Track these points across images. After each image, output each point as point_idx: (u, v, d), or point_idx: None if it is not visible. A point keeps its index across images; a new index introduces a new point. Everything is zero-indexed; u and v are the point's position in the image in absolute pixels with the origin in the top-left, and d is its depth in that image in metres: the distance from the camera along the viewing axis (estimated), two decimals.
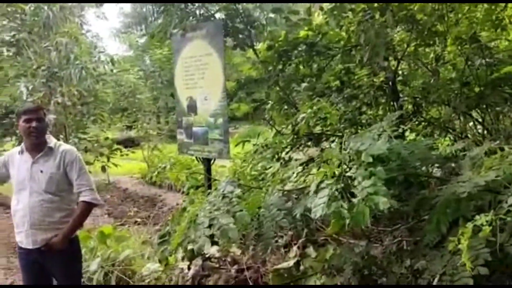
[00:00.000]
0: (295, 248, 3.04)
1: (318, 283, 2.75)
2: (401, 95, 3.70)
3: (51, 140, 2.76)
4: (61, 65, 5.39)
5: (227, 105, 3.80)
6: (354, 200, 1.49)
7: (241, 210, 1.67)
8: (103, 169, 6.72)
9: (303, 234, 3.14)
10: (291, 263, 2.89)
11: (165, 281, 3.71)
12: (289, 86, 4.27)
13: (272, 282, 2.93)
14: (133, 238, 4.71)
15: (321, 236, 3.18)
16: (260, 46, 4.49)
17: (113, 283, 4.06)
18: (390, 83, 3.60)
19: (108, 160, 6.82)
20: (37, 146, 2.69)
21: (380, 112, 3.92)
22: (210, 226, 1.62)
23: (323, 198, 1.52)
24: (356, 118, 3.79)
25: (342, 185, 1.51)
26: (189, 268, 3.50)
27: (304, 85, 4.32)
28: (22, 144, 2.76)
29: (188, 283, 3.42)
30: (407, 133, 3.79)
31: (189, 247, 1.79)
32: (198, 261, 3.44)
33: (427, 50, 3.82)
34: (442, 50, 3.65)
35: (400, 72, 3.87)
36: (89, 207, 2.79)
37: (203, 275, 3.39)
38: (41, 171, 2.65)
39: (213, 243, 3.57)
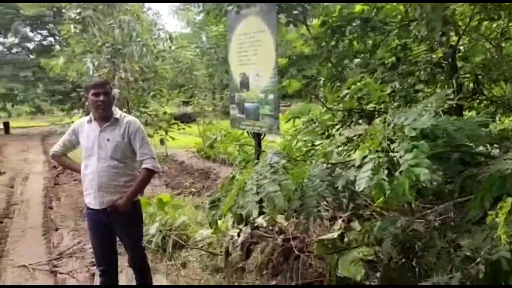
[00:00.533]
0: (340, 221, 3.13)
1: (360, 255, 2.84)
2: (461, 72, 3.60)
3: (117, 112, 2.99)
4: (124, 42, 5.69)
5: (278, 81, 3.87)
6: (396, 173, 1.55)
7: (286, 179, 1.78)
8: (162, 142, 7.08)
9: (349, 208, 3.21)
10: (335, 234, 2.99)
11: (217, 246, 3.95)
12: (341, 63, 4.26)
13: (316, 252, 3.05)
14: (188, 206, 5.01)
15: (367, 211, 3.24)
16: (314, 22, 4.49)
17: (170, 246, 4.37)
18: (449, 59, 3.50)
19: (166, 134, 7.16)
20: (105, 117, 2.91)
21: (438, 90, 3.84)
22: (257, 193, 1.76)
23: (366, 172, 1.59)
24: (411, 96, 3.74)
25: (385, 159, 1.57)
26: (238, 235, 3.71)
27: (357, 61, 4.30)
28: (91, 114, 2.97)
29: (237, 249, 3.63)
30: (467, 112, 3.69)
31: (238, 212, 1.93)
32: (247, 229, 3.64)
33: (491, 24, 3.67)
34: (507, 24, 3.49)
35: (461, 47, 3.74)
36: (150, 174, 3.01)
37: (251, 242, 3.58)
38: (108, 139, 2.88)
39: (261, 213, 3.77)
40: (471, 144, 2.02)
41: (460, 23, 3.57)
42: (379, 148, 1.65)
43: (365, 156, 1.70)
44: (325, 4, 4.45)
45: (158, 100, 7.98)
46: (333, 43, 4.12)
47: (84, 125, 3.00)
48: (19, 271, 4.30)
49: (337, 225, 3.11)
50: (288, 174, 1.91)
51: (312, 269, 3.14)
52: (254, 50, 4.14)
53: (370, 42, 4.12)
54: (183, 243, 4.33)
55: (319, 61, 4.18)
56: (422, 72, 3.70)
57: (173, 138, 7.13)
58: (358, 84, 2.28)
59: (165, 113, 7.69)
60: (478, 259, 1.62)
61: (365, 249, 2.85)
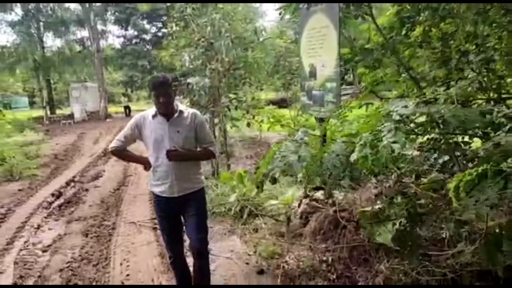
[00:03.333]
0: (384, 196, 3.52)
1: (397, 226, 3.24)
2: None
3: (179, 104, 3.13)
4: (215, 37, 6.50)
5: (340, 71, 4.29)
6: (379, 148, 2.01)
7: (305, 153, 2.31)
8: (248, 125, 7.84)
9: (395, 186, 3.60)
10: (376, 207, 3.41)
11: (283, 213, 4.58)
12: (412, 52, 4.48)
13: (360, 222, 3.51)
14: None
15: (412, 190, 3.58)
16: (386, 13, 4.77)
17: (245, 214, 5.11)
18: None
19: (253, 118, 7.90)
20: (169, 111, 3.03)
21: None
22: (281, 160, 2.31)
23: (358, 147, 2.08)
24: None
25: (372, 137, 2.03)
26: (299, 206, 4.29)
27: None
28: (154, 108, 3.05)
29: (297, 217, 4.22)
30: None
31: (271, 175, 2.49)
32: (306, 201, 4.20)
33: None
34: None
35: None
36: (210, 155, 3.23)
37: (309, 212, 4.14)
38: (178, 131, 3.00)
39: (319, 188, 4.30)
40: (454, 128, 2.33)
41: None
42: (373, 129, 2.11)
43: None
44: None
45: (248, 87, 8.73)
46: (403, 32, 4.39)
47: (147, 119, 3.07)
48: (129, 226, 5.41)
49: (381, 199, 3.51)
50: (312, 149, 2.43)
51: (356, 236, 3.61)
52: (320, 43, 4.60)
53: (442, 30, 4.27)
54: (256, 211, 5.04)
55: (382, 52, 4.50)
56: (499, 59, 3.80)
57: (259, 122, 7.84)
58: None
59: (253, 98, 8.43)
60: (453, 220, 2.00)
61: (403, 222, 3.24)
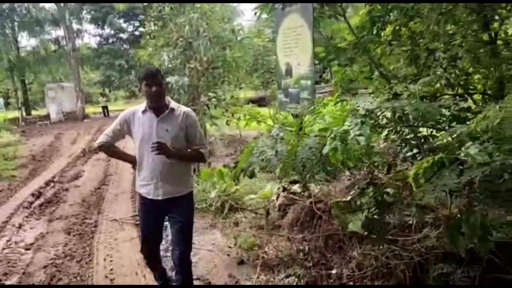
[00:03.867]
0: (356, 187, 3.73)
1: (366, 214, 3.44)
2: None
3: (171, 102, 2.96)
4: (193, 36, 6.63)
5: (315, 70, 4.49)
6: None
7: (281, 147, 2.48)
8: (227, 123, 7.99)
9: (366, 178, 3.81)
10: (348, 198, 3.62)
11: (262, 207, 4.75)
12: (383, 51, 4.69)
13: (333, 212, 3.71)
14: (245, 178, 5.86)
15: (382, 181, 3.80)
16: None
17: (226, 209, 5.26)
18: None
19: (233, 116, 8.06)
20: (160, 106, 2.88)
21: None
22: (259, 156, 2.48)
23: (329, 140, 2.26)
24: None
25: (341, 130, 2.22)
26: (277, 199, 4.47)
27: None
28: (145, 103, 2.92)
29: (275, 210, 4.40)
30: None
31: (250, 169, 2.65)
32: (284, 194, 4.38)
33: None
34: None
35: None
36: (201, 157, 3.06)
37: (286, 204, 4.32)
38: (167, 130, 2.85)
39: (295, 181, 4.49)
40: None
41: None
42: (342, 123, 2.29)
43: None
44: None
45: (227, 86, 8.87)
46: (375, 31, 4.62)
47: (137, 115, 2.93)
48: (112, 223, 5.49)
49: (353, 191, 3.72)
50: (287, 144, 2.60)
51: (331, 225, 3.81)
52: (295, 43, 4.79)
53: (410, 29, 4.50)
54: (236, 206, 5.21)
55: (355, 51, 4.71)
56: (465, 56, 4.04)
57: (238, 120, 8.00)
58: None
59: (232, 97, 8.58)
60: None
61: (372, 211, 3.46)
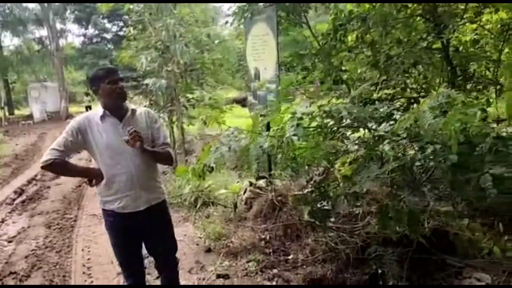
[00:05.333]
0: (312, 182, 4.13)
1: (325, 206, 3.83)
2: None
3: (129, 104, 2.69)
4: (171, 40, 6.97)
5: (279, 74, 4.87)
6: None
7: (236, 145, 2.86)
8: (204, 123, 8.33)
9: (323, 174, 4.21)
10: (305, 191, 4.01)
11: (231, 201, 5.12)
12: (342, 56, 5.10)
13: (291, 204, 4.11)
14: (216, 174, 6.24)
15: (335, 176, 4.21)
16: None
17: (199, 204, 5.62)
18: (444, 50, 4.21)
19: (210, 117, 8.40)
20: (120, 109, 2.60)
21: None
22: (215, 152, 2.85)
23: (269, 138, 2.65)
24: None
25: (280, 132, 2.61)
26: (244, 193, 4.85)
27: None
28: (99, 109, 2.59)
29: (242, 202, 4.78)
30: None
31: (210, 165, 3.01)
32: (250, 188, 4.77)
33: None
34: None
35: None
36: (168, 157, 2.78)
37: (252, 198, 4.70)
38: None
39: (261, 177, 4.87)
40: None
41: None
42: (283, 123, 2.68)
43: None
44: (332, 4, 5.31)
45: (206, 87, 9.22)
46: (337, 38, 5.02)
47: (93, 122, 2.57)
48: (91, 218, 5.81)
49: (310, 185, 4.12)
50: (239, 142, 2.98)
51: (290, 216, 4.20)
52: (262, 49, 5.17)
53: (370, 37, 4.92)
54: (209, 201, 5.57)
55: (317, 57, 5.11)
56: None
57: (218, 122, 8.32)
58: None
59: (209, 98, 8.93)
60: None
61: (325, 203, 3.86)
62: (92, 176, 2.66)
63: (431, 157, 2.56)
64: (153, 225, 2.74)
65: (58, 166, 2.57)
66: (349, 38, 5.14)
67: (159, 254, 2.90)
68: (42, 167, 2.57)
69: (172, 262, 2.97)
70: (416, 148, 2.53)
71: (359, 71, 5.29)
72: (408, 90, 4.91)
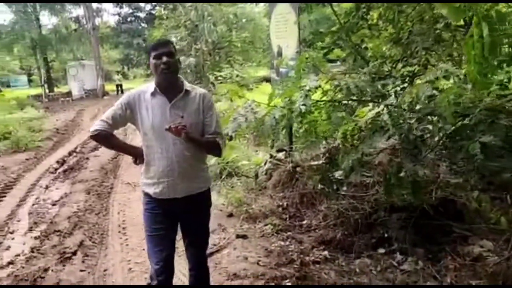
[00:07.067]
0: (327, 154, 4.39)
1: (337, 176, 4.10)
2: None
3: (185, 83, 2.49)
4: (199, 20, 7.27)
5: (300, 51, 5.09)
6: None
7: (253, 116, 3.16)
8: (231, 100, 8.66)
9: (337, 146, 4.47)
10: (320, 162, 4.28)
11: (252, 171, 5.46)
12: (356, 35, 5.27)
13: (307, 174, 4.39)
14: (242, 147, 6.58)
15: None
16: None
17: (224, 175, 5.99)
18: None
19: (237, 93, 8.71)
20: (172, 87, 2.40)
21: None
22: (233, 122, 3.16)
23: (279, 109, 2.94)
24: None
25: (290, 103, 2.89)
26: (265, 164, 5.17)
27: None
28: (152, 84, 2.42)
29: (263, 173, 5.11)
30: None
31: (229, 134, 3.33)
32: (270, 160, 5.08)
33: None
34: None
35: None
36: (217, 149, 2.51)
37: (272, 169, 5.02)
38: (182, 117, 2.34)
39: (281, 150, 5.17)
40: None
41: None
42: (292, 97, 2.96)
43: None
44: None
45: (233, 65, 9.52)
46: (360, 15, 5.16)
47: (144, 98, 2.42)
48: (126, 186, 6.31)
49: (324, 157, 4.39)
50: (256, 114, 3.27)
51: (306, 185, 4.50)
52: (285, 27, 5.39)
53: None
54: (233, 172, 5.94)
55: (337, 35, 5.28)
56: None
57: (239, 96, 8.63)
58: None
59: (237, 75, 9.24)
60: None
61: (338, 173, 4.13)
62: (135, 155, 2.56)
63: (429, 126, 2.81)
64: (191, 212, 2.54)
65: (104, 138, 2.47)
66: (374, 15, 5.25)
67: (189, 243, 2.65)
68: (90, 137, 2.50)
69: (201, 253, 2.70)
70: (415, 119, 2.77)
71: (383, 48, 5.42)
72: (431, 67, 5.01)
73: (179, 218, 2.56)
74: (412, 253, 3.47)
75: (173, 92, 2.40)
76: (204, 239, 2.69)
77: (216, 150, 2.52)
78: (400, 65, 4.96)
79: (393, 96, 3.16)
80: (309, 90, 2.87)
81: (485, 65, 1.47)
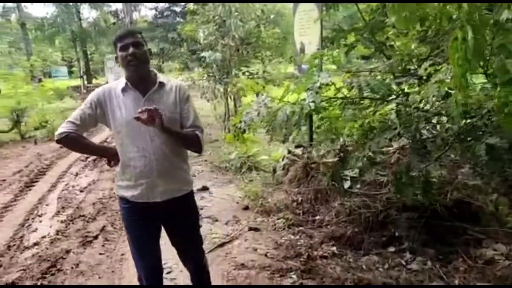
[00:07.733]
0: (339, 151, 4.41)
1: (351, 174, 4.13)
2: None
3: (158, 75, 2.33)
4: (227, 15, 7.38)
5: (322, 48, 5.11)
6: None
7: (265, 111, 3.23)
8: (257, 95, 8.74)
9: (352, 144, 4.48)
10: (335, 159, 4.31)
11: (271, 166, 5.54)
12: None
13: (322, 170, 4.43)
14: (263, 142, 6.67)
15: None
16: None
17: (244, 169, 6.10)
18: None
19: (264, 89, 8.78)
20: (144, 80, 2.23)
21: None
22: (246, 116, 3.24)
23: (290, 105, 3.00)
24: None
25: (300, 100, 2.94)
26: (282, 160, 5.23)
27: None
28: (122, 79, 2.26)
29: (280, 168, 5.18)
30: None
31: (242, 127, 3.42)
32: (288, 155, 5.14)
33: None
34: None
35: None
36: (197, 142, 2.30)
37: (289, 164, 5.07)
38: (156, 109, 2.05)
39: (299, 146, 5.22)
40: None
41: None
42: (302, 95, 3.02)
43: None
44: None
45: (261, 60, 9.59)
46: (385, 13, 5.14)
47: (115, 94, 2.24)
48: None
49: (339, 154, 4.41)
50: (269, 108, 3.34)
51: (321, 182, 4.54)
52: (308, 24, 5.41)
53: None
54: (253, 166, 6.04)
55: (359, 33, 5.26)
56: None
57: (253, 89, 8.71)
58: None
59: (264, 71, 9.30)
60: None
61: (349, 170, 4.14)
62: (109, 156, 2.37)
63: (437, 126, 2.80)
64: (174, 217, 2.37)
65: (73, 141, 2.22)
66: None
67: (180, 252, 2.54)
68: (56, 141, 2.24)
69: (197, 261, 2.59)
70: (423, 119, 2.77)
71: (412, 46, 5.36)
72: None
73: (162, 224, 2.40)
74: (421, 253, 3.47)
75: (146, 86, 2.23)
76: (195, 248, 2.53)
77: (195, 144, 2.30)
78: (426, 64, 4.90)
79: (402, 95, 3.16)
80: (319, 87, 2.92)
81: (467, 68, 1.49)
